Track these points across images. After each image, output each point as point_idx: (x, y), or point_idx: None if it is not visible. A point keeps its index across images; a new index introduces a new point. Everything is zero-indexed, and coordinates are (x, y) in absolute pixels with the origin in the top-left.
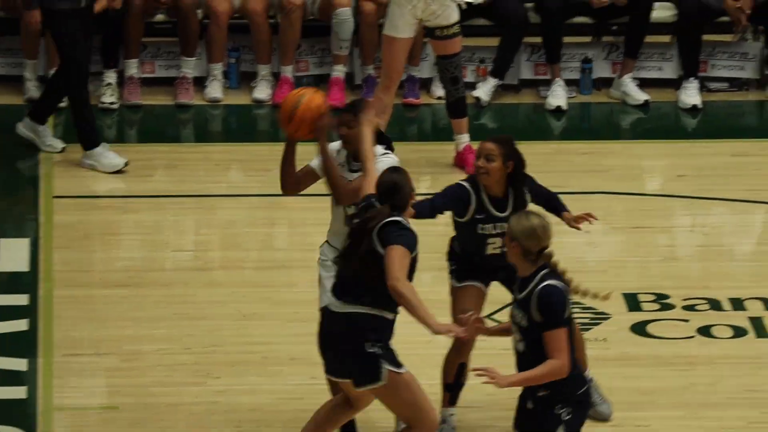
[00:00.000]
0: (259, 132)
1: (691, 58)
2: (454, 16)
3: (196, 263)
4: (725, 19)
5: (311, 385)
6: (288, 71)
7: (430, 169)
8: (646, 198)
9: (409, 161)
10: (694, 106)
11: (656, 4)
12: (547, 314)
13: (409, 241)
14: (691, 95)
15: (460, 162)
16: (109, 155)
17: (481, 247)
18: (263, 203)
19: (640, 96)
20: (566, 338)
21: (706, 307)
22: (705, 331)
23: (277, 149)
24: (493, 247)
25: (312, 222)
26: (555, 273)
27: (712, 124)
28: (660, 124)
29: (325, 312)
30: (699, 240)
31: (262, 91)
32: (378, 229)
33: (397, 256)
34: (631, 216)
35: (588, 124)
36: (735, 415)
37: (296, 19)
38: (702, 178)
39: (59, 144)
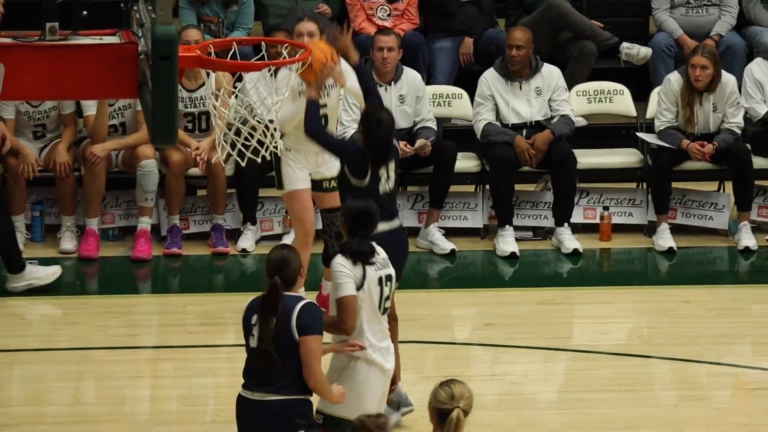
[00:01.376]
0: (66, 284)
1: (504, 207)
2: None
3: (0, 419)
4: (526, 169)
5: None
6: (93, 223)
7: (240, 319)
8: (455, 347)
9: (217, 312)
10: (513, 254)
11: (460, 155)
12: None
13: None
14: (508, 243)
15: (322, 305)
16: (40, 268)
17: None
18: (69, 357)
19: (446, 245)
20: None
21: None
22: None
23: (85, 301)
24: None
25: (120, 376)
26: None
27: (520, 272)
28: (467, 273)
29: (243, 402)
30: (507, 389)
31: (68, 243)
32: (297, 313)
33: (315, 348)
34: (440, 365)
35: None
36: None
37: (100, 170)
38: (509, 326)
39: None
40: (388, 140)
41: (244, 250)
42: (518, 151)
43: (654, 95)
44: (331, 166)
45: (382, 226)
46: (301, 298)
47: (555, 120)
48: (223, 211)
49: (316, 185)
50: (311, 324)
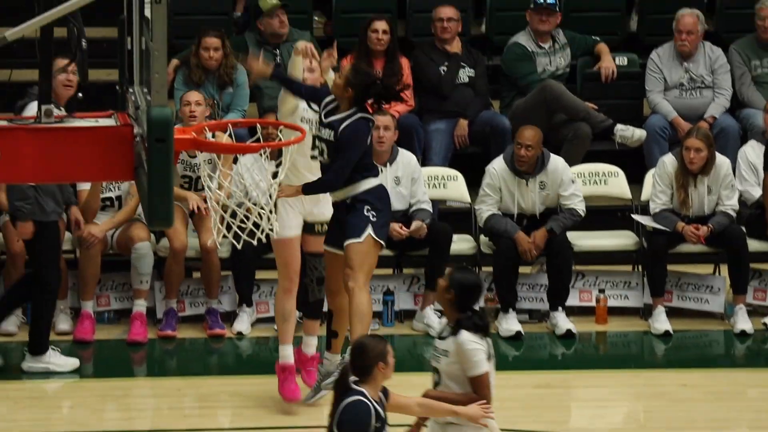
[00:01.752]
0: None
1: (509, 292)
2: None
3: None
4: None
5: None
6: (89, 306)
7: (237, 402)
8: None
9: (213, 395)
10: (518, 333)
11: (456, 237)
12: None
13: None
14: (512, 323)
15: (300, 363)
16: (61, 356)
17: None
18: None
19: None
20: None
21: None
22: None
23: (80, 384)
24: None
25: None
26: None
27: (517, 355)
28: None
29: None
30: None
31: (63, 324)
32: (341, 408)
33: None
34: None
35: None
36: None
37: (96, 252)
38: (506, 409)
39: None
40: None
41: (240, 332)
42: (519, 250)
43: (649, 177)
44: (325, 210)
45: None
46: (355, 393)
47: (560, 214)
48: (218, 294)
49: (308, 228)
50: (348, 421)
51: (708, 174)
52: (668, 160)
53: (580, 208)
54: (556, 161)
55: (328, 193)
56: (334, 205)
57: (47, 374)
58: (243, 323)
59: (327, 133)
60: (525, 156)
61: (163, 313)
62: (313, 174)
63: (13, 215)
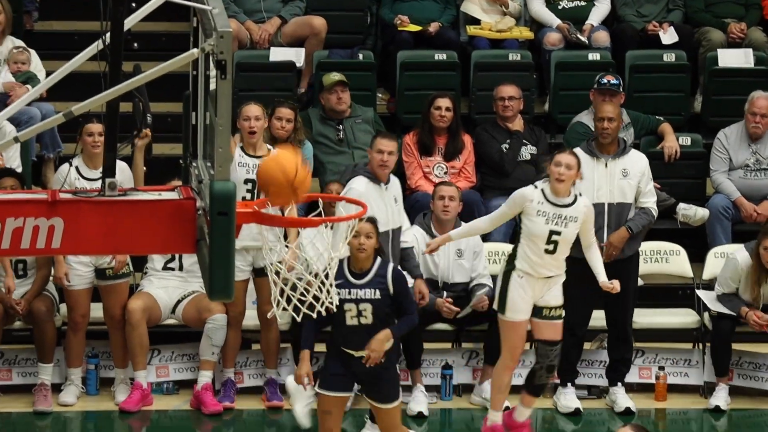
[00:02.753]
0: None
1: (569, 365)
2: (561, 295)
3: None
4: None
5: None
6: (140, 376)
7: None
8: None
9: None
10: (577, 410)
11: None
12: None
13: None
14: (570, 399)
15: (510, 426)
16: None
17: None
18: None
19: None
20: None
21: None
22: None
23: None
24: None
25: None
26: None
27: (576, 431)
28: None
29: None
30: None
31: (122, 395)
32: None
33: None
34: None
35: (449, 431)
36: None
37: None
38: None
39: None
40: None
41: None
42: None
43: (711, 256)
44: (557, 294)
45: None
46: None
47: (633, 214)
48: (276, 365)
49: (537, 312)
50: None
51: None
52: (741, 258)
53: (655, 209)
54: (637, 152)
55: (560, 279)
56: None
57: None
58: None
59: None
60: (608, 128)
61: (221, 384)
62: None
63: None
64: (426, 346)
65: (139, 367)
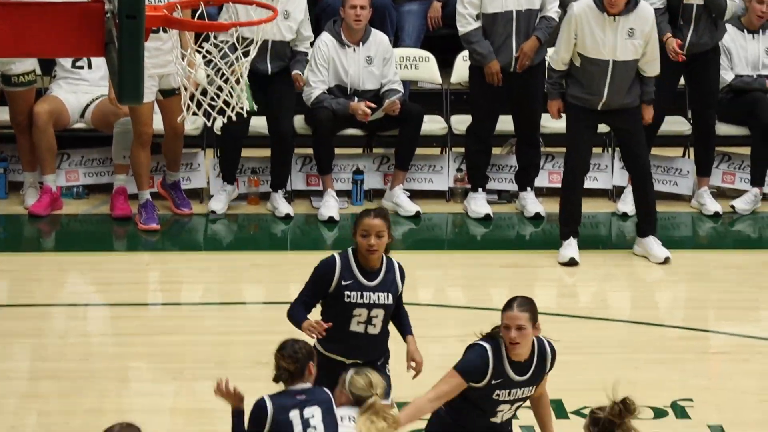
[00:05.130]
0: (25, 240)
1: (479, 171)
2: None
3: None
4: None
5: None
6: (49, 180)
7: (205, 277)
8: (419, 307)
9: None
10: (487, 215)
11: (426, 117)
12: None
13: None
14: (481, 205)
15: None
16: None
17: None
18: (32, 314)
19: (411, 207)
20: None
21: None
22: None
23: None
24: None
25: (84, 332)
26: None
27: (486, 235)
28: (432, 235)
29: None
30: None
31: (32, 199)
32: None
33: None
34: None
35: None
36: None
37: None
38: (474, 288)
39: None
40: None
41: (213, 211)
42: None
43: None
44: None
45: None
46: None
47: (537, 23)
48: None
49: None
50: None
51: None
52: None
53: (557, 13)
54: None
55: None
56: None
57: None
58: (220, 202)
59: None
60: None
61: (138, 207)
62: None
63: None
64: (337, 151)
65: (47, 171)
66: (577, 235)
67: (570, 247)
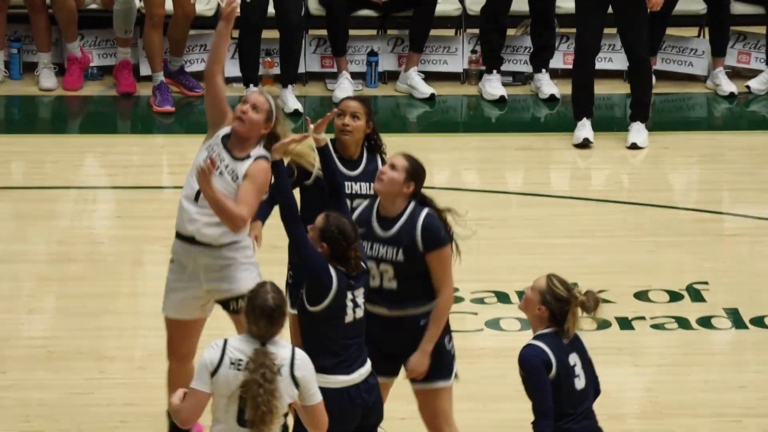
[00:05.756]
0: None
1: (493, 53)
2: None
3: None
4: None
5: (100, 379)
6: (75, 47)
7: None
8: (434, 191)
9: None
10: (502, 97)
11: None
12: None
13: None
14: (495, 87)
15: None
16: None
17: None
18: (47, 196)
19: (426, 89)
20: None
21: (494, 300)
22: (493, 324)
23: (60, 140)
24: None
25: (98, 215)
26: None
27: (501, 117)
28: (447, 117)
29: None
30: (486, 233)
31: (48, 79)
32: None
33: None
34: None
35: (375, 117)
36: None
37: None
38: (488, 171)
39: None
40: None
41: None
42: None
43: None
44: None
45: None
46: None
47: None
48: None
49: None
50: None
51: None
52: None
53: None
54: None
55: None
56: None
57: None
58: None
59: None
60: None
61: (153, 89)
62: None
63: None
64: (351, 33)
65: (70, 39)
66: (591, 115)
67: (584, 128)
